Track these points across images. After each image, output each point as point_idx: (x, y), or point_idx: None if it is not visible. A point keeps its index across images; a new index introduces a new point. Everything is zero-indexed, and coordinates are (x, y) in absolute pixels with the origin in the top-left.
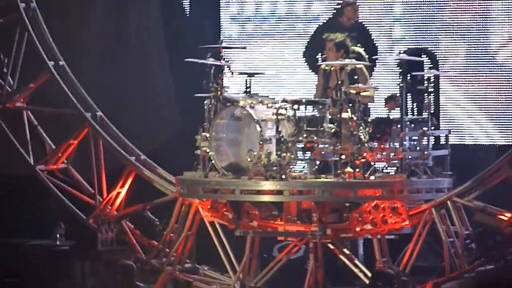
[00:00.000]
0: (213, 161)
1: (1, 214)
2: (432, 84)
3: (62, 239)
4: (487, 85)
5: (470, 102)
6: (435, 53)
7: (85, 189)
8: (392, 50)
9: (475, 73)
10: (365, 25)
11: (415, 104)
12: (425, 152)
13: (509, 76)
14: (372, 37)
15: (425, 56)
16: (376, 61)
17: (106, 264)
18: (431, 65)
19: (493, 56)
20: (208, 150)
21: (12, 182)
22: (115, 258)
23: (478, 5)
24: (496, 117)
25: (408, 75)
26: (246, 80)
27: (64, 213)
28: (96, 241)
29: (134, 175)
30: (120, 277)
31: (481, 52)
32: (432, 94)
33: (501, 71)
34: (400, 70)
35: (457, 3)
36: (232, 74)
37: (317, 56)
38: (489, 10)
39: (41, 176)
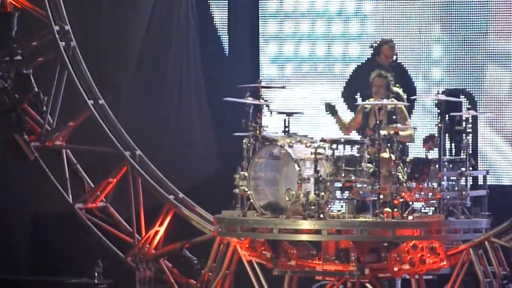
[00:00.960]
0: (251, 200)
1: (39, 252)
2: (470, 125)
3: (100, 278)
4: None
5: (507, 143)
6: (473, 94)
7: (124, 227)
8: (430, 90)
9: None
10: (403, 65)
11: (453, 144)
12: (463, 193)
13: None
14: (411, 77)
15: (463, 97)
16: (415, 101)
17: None
18: (469, 106)
19: None
20: (246, 189)
21: (51, 220)
22: None
23: None
24: None
25: (447, 115)
26: (285, 119)
27: (102, 251)
28: (134, 280)
29: (172, 213)
30: None
31: None
32: (470, 135)
33: None
34: (439, 111)
35: (494, 46)
36: (271, 113)
37: (356, 96)
38: None
39: (80, 214)
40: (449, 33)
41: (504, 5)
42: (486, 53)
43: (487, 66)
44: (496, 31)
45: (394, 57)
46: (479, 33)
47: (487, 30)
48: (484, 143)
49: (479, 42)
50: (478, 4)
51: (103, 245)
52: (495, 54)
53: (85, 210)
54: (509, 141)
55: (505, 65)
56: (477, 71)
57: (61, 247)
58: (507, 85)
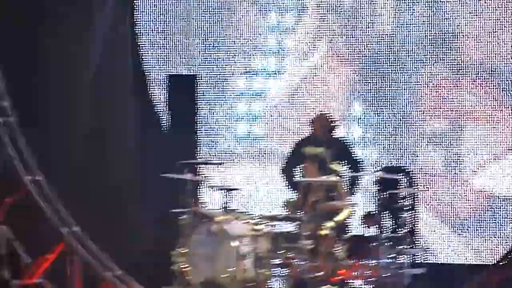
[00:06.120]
0: (189, 277)
1: None
2: (409, 202)
3: None
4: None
5: (442, 222)
6: (411, 172)
7: None
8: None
9: (448, 192)
10: (345, 141)
11: (392, 221)
12: (402, 270)
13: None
14: (355, 153)
15: (402, 174)
16: (359, 177)
17: None
18: (408, 183)
19: (469, 177)
20: (184, 266)
21: None
22: None
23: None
24: (469, 237)
25: (386, 192)
26: (223, 195)
27: None
28: None
29: None
30: None
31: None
32: (408, 212)
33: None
34: (378, 188)
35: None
36: (210, 189)
37: (295, 173)
38: (463, 131)
39: None
40: (384, 110)
41: (439, 83)
42: (420, 131)
43: (421, 144)
44: (430, 109)
45: (330, 132)
46: (413, 110)
47: (421, 107)
48: (422, 221)
49: (413, 121)
50: (414, 82)
51: None
52: (429, 133)
53: (22, 287)
54: (445, 219)
55: (439, 144)
56: (411, 149)
57: None
58: (441, 163)
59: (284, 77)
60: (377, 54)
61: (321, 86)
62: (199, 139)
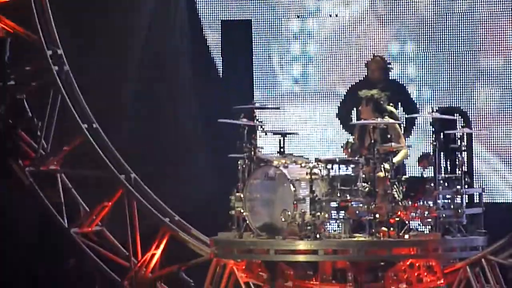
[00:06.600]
0: (247, 221)
1: (36, 276)
2: (465, 143)
3: None
4: None
5: (500, 161)
6: (467, 112)
7: (120, 251)
8: (422, 109)
9: (505, 131)
10: (402, 84)
11: (448, 162)
12: (459, 211)
13: None
14: (410, 94)
15: (457, 114)
16: (416, 118)
17: None
18: (464, 124)
19: None
20: (242, 210)
21: (46, 244)
22: None
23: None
24: None
25: (441, 133)
26: (280, 140)
27: (98, 275)
28: None
29: (168, 236)
30: None
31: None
32: (465, 152)
33: None
34: (433, 129)
35: (484, 63)
36: (266, 134)
37: (351, 116)
38: None
39: (76, 238)
40: (438, 50)
41: (493, 23)
42: (476, 71)
43: (477, 84)
44: (485, 49)
45: (385, 74)
46: (468, 50)
47: (476, 47)
48: (478, 161)
49: (468, 60)
50: (467, 21)
51: (99, 269)
52: (485, 72)
53: (81, 234)
54: (502, 158)
55: (494, 83)
56: (467, 89)
57: (56, 272)
58: (497, 103)
59: (338, 18)
60: None
61: (375, 26)
62: (255, 83)
